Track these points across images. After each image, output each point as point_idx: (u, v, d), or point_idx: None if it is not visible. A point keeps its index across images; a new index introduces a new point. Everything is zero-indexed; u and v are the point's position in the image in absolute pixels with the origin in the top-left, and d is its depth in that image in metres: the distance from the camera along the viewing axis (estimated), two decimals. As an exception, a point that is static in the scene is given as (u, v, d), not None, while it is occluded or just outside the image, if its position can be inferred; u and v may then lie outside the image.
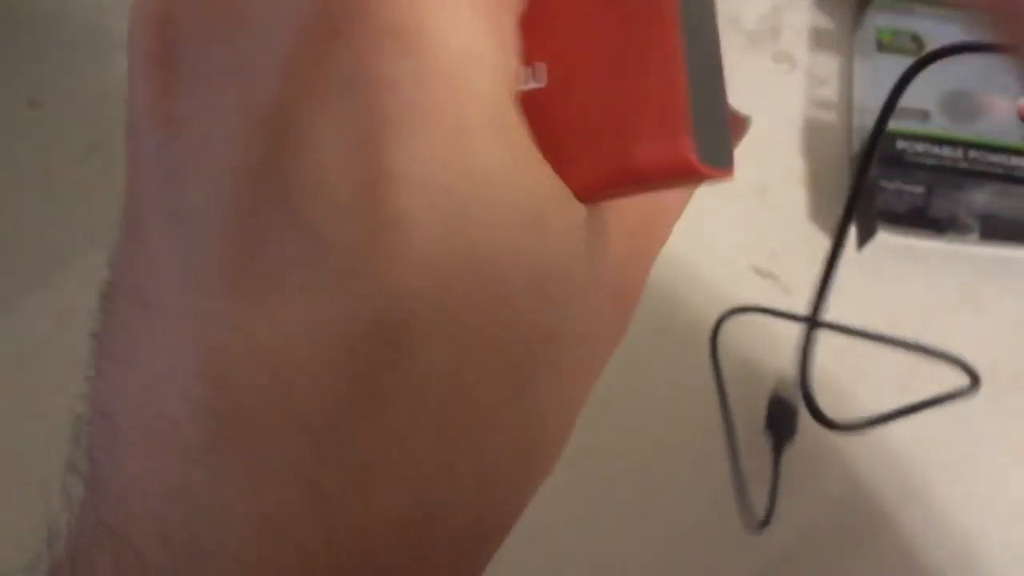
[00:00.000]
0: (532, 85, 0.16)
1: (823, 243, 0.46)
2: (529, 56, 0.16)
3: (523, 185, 0.15)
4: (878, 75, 0.48)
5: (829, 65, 0.50)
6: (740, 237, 0.46)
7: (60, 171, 0.49)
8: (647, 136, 0.15)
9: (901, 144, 0.46)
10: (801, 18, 0.52)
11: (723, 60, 0.16)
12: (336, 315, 0.14)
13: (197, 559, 0.14)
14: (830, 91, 0.50)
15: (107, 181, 0.49)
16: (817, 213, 0.47)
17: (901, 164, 0.45)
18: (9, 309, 0.44)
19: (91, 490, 0.16)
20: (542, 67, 0.16)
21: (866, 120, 0.47)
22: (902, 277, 0.45)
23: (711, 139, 0.15)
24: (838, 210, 0.46)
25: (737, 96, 0.18)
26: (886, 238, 0.44)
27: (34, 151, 0.50)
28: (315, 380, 0.14)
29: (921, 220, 0.44)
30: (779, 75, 0.50)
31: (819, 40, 0.51)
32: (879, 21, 0.49)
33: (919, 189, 0.45)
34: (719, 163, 0.15)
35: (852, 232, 0.45)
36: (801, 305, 0.44)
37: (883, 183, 0.45)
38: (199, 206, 0.14)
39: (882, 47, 0.49)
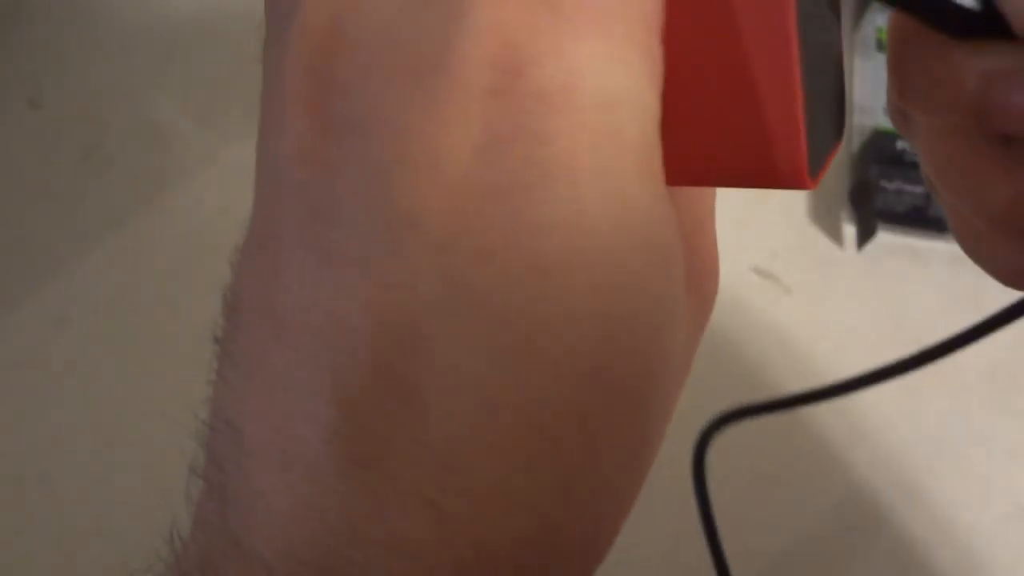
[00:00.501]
0: None
1: (823, 243, 0.46)
2: None
3: (661, 232, 0.16)
4: (878, 75, 0.48)
5: (829, 65, 0.50)
6: (740, 237, 0.46)
7: (60, 171, 0.49)
8: (763, 144, 0.15)
9: (901, 144, 0.46)
10: (801, 18, 0.52)
11: (842, 62, 0.16)
12: (472, 352, 0.15)
13: None
14: (830, 91, 0.49)
15: (107, 182, 0.49)
16: (817, 213, 0.47)
17: (901, 164, 0.45)
18: (9, 309, 0.44)
19: (219, 499, 0.16)
20: None
21: (866, 120, 0.47)
22: (902, 277, 0.45)
23: (816, 149, 0.16)
24: (838, 210, 0.46)
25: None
26: (886, 238, 0.44)
27: (34, 151, 0.50)
28: (441, 407, 0.15)
29: (921, 220, 0.44)
30: (779, 75, 0.50)
31: (819, 40, 0.51)
32: (879, 21, 0.49)
33: (919, 189, 0.45)
34: (815, 173, 0.16)
35: (852, 232, 0.45)
36: (801, 304, 0.44)
37: (883, 183, 0.45)
38: (348, 246, 0.15)
39: (882, 47, 0.49)
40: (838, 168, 0.48)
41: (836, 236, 0.46)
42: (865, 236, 0.44)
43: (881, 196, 0.44)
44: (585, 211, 0.15)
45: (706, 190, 0.19)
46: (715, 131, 0.16)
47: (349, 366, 0.15)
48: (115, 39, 0.54)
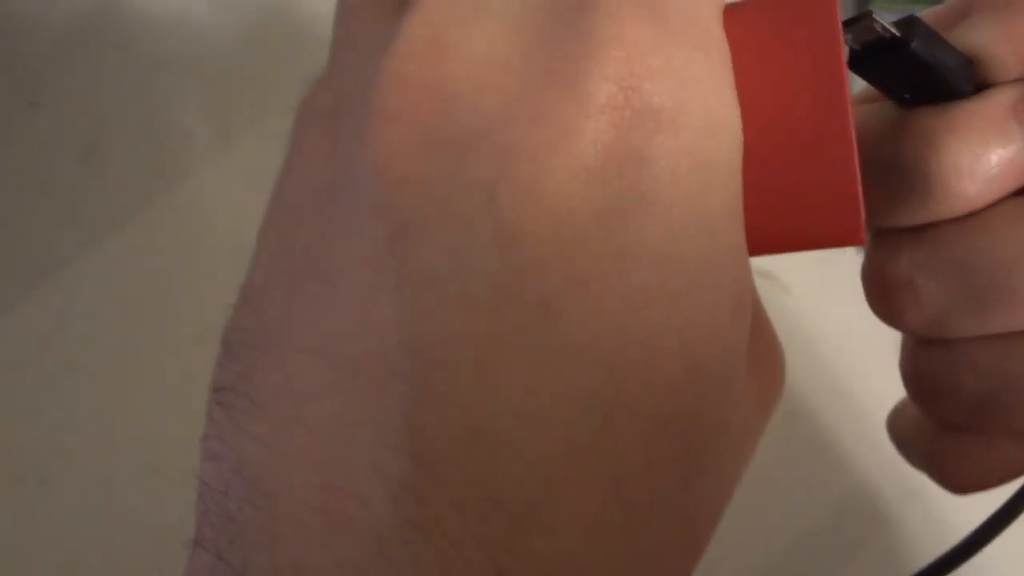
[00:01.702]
0: None
1: (823, 243, 0.46)
2: None
3: (739, 277, 0.15)
4: (878, 75, 0.48)
5: (829, 65, 0.50)
6: (740, 237, 0.46)
7: (60, 171, 0.49)
8: (825, 209, 0.16)
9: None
10: (801, 18, 0.52)
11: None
12: (555, 392, 0.13)
13: None
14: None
15: (107, 181, 0.49)
16: (817, 213, 0.47)
17: (901, 164, 0.45)
18: (8, 309, 0.44)
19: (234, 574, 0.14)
20: None
21: (866, 120, 0.47)
22: (902, 277, 0.45)
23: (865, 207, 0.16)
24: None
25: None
26: (886, 238, 0.44)
27: (34, 151, 0.49)
28: (520, 458, 0.13)
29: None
30: (779, 75, 0.50)
31: (819, 40, 0.51)
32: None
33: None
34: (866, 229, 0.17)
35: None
36: (800, 304, 0.44)
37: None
38: (432, 267, 0.14)
39: (882, 47, 0.49)
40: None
41: (836, 236, 0.46)
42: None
43: (881, 196, 0.44)
44: (676, 243, 0.14)
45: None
46: (777, 200, 0.16)
47: (426, 407, 0.13)
48: (115, 39, 0.54)
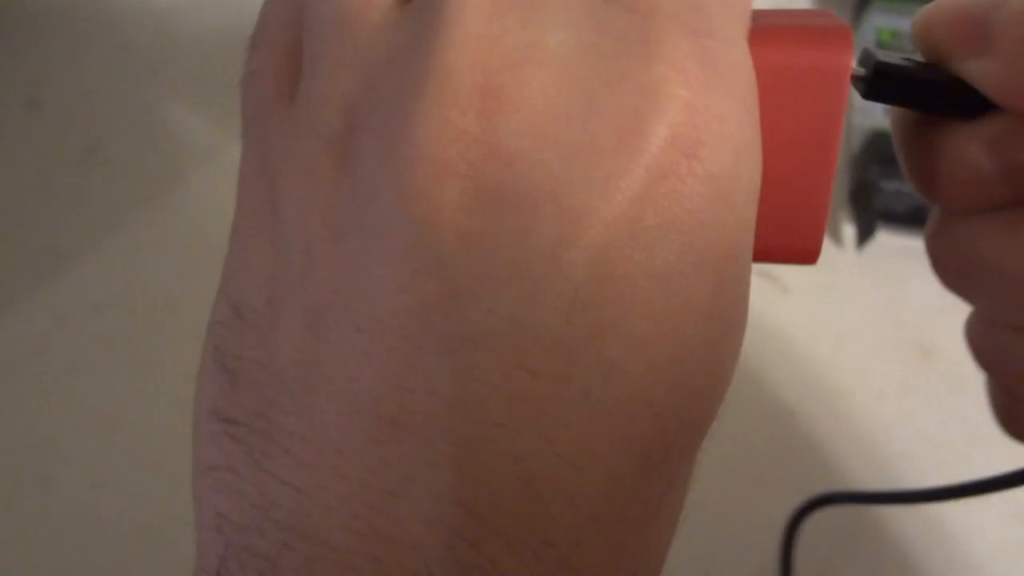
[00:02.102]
0: None
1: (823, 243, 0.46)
2: None
3: (739, 324, 0.15)
4: (878, 75, 0.48)
5: (829, 65, 0.50)
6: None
7: (60, 171, 0.49)
8: (794, 235, 0.17)
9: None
10: (801, 18, 0.52)
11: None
12: (611, 442, 0.14)
13: None
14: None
15: (107, 182, 0.49)
16: (817, 213, 0.47)
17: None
18: (8, 309, 0.44)
19: None
20: None
21: (866, 120, 0.47)
22: (902, 277, 0.45)
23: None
24: (838, 210, 0.46)
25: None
26: (886, 238, 0.44)
27: (34, 151, 0.50)
28: (572, 503, 0.13)
29: (921, 220, 0.44)
30: (779, 75, 0.50)
31: (819, 40, 0.51)
32: (879, 21, 0.49)
33: (919, 189, 0.45)
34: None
35: (852, 232, 0.45)
36: (799, 304, 0.43)
37: (883, 183, 0.45)
38: (498, 333, 0.13)
39: (882, 47, 0.49)
40: (838, 168, 0.48)
41: (836, 236, 0.46)
42: (865, 236, 0.44)
43: (881, 196, 0.44)
44: (722, 300, 0.14)
45: None
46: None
47: (482, 463, 0.13)
48: (115, 39, 0.54)
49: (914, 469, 0.41)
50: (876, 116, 0.47)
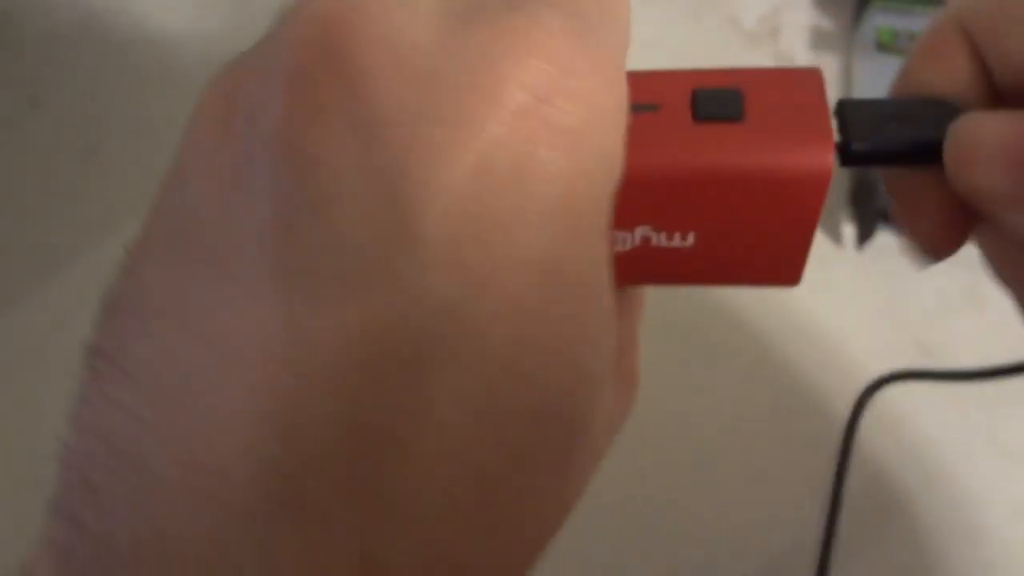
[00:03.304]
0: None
1: (823, 243, 0.46)
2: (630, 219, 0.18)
3: (607, 290, 0.15)
4: (878, 75, 0.48)
5: (829, 65, 0.50)
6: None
7: (60, 171, 0.49)
8: (776, 264, 0.19)
9: (901, 144, 0.46)
10: (801, 18, 0.52)
11: None
12: (449, 393, 0.14)
13: None
14: (830, 91, 0.49)
15: (106, 181, 0.49)
16: (817, 213, 0.47)
17: (901, 164, 0.45)
18: (8, 309, 0.44)
19: (95, 543, 0.14)
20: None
21: (866, 120, 0.47)
22: (902, 277, 0.45)
23: None
24: (838, 210, 0.46)
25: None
26: (886, 238, 0.44)
27: (34, 151, 0.50)
28: (414, 460, 0.13)
29: (921, 220, 0.44)
30: (779, 75, 0.50)
31: (819, 40, 0.51)
32: (879, 21, 0.49)
33: (919, 189, 0.45)
34: None
35: (852, 232, 0.45)
36: (800, 303, 0.44)
37: (883, 183, 0.45)
38: (322, 263, 0.14)
39: (882, 47, 0.49)
40: (838, 168, 0.48)
41: (836, 236, 0.46)
42: (865, 236, 0.44)
43: (881, 196, 0.44)
44: (557, 253, 0.14)
45: (636, 316, 0.21)
46: (741, 251, 0.19)
47: (305, 398, 0.13)
48: (115, 39, 0.54)
49: (914, 467, 0.41)
50: (876, 116, 0.47)
